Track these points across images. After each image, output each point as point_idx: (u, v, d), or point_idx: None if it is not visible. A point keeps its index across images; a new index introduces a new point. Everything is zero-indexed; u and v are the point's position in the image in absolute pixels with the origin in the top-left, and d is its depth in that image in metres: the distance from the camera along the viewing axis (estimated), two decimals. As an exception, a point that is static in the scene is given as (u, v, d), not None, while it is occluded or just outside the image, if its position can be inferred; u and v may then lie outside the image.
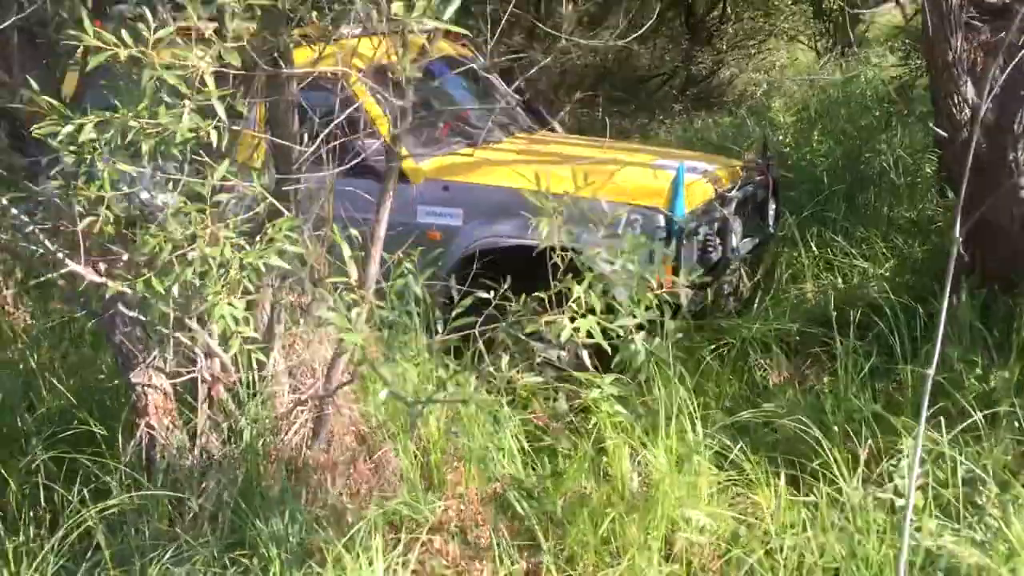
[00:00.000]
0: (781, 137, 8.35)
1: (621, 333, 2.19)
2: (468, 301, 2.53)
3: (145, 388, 2.81)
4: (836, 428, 3.50)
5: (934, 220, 5.59)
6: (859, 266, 5.66)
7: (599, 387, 3.67)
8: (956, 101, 4.34)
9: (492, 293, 2.51)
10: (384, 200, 2.64)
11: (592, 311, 2.16)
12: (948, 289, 2.36)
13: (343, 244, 2.29)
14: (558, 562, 2.98)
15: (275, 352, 2.93)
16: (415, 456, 3.23)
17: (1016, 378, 3.73)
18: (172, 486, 2.80)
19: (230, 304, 2.04)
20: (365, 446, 3.16)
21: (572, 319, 2.15)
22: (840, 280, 5.64)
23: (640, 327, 2.17)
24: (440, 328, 2.47)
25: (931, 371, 2.31)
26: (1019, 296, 4.33)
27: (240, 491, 2.71)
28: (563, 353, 4.17)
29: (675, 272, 4.00)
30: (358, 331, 2.33)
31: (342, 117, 2.57)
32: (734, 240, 4.42)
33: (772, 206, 4.96)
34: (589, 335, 2.29)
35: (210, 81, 1.79)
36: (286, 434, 2.88)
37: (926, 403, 2.23)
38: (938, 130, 4.48)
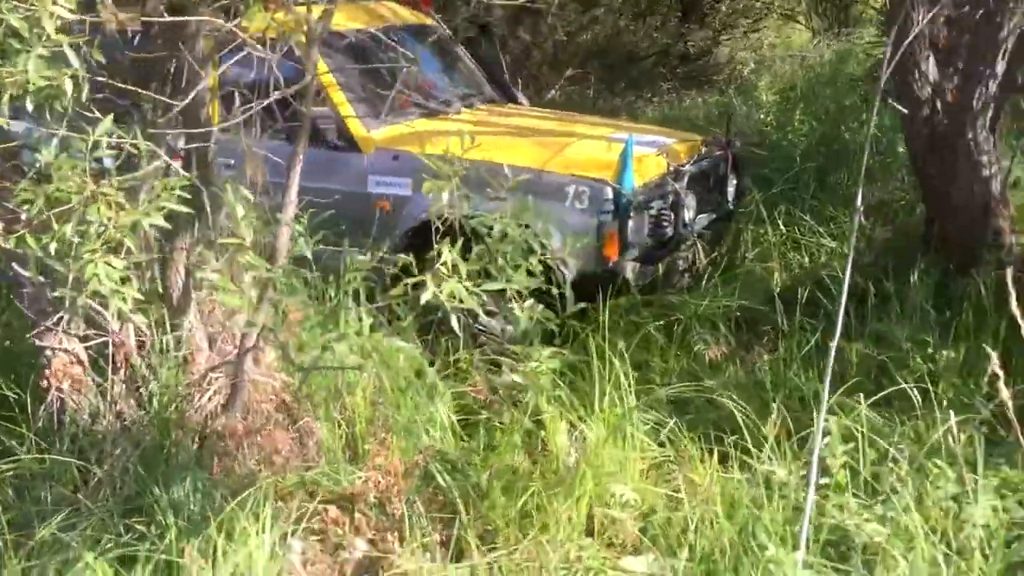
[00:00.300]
0: (763, 116, 8.26)
1: (486, 299, 2.13)
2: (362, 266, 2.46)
3: (55, 351, 2.77)
4: (773, 405, 3.45)
5: (902, 199, 5.51)
6: (826, 245, 5.60)
7: (537, 360, 3.66)
8: (916, 78, 4.26)
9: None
10: (294, 164, 2.58)
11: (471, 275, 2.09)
12: (849, 269, 2.31)
13: (236, 206, 2.23)
14: (479, 535, 2.93)
15: (190, 317, 2.88)
16: (338, 425, 3.19)
17: (962, 358, 3.67)
18: (80, 452, 2.76)
19: (107, 264, 1.99)
20: (287, 415, 3.11)
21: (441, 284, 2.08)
22: (807, 259, 5.58)
23: (521, 294, 2.10)
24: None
25: (834, 344, 2.26)
26: (974, 277, 4.26)
27: (146, 457, 2.67)
28: (508, 326, 4.13)
29: (622, 246, 3.93)
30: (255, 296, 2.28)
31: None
32: (687, 215, 4.35)
33: (733, 182, 4.88)
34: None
35: (48, 26, 1.72)
36: (199, 401, 2.83)
37: (828, 379, 2.18)
38: (899, 107, 4.39)
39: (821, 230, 5.72)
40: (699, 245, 4.57)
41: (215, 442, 2.71)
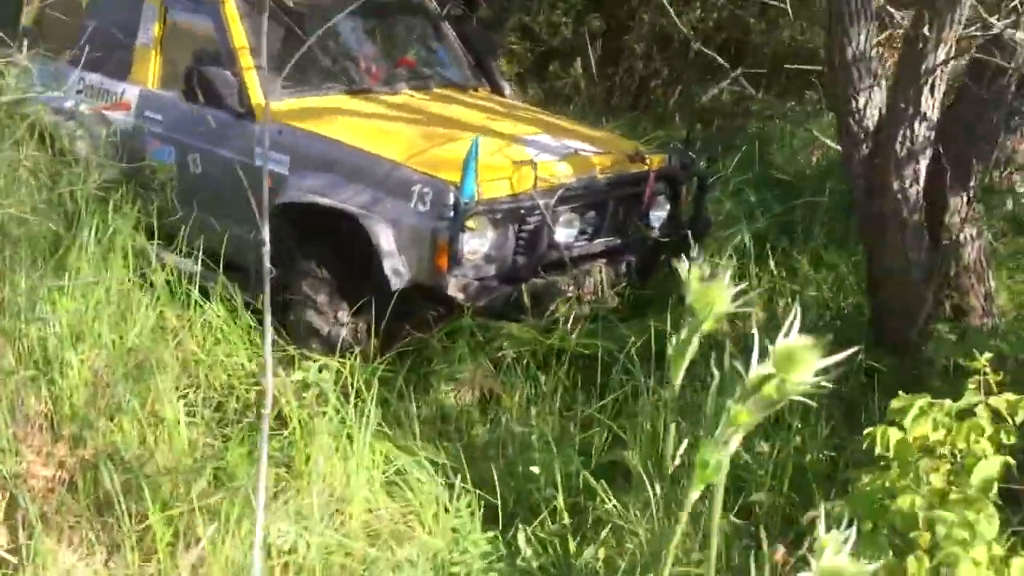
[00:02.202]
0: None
1: None
2: None
3: None
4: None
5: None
6: (816, 296, 4.83)
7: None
8: (855, 108, 3.49)
9: None
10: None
11: None
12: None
13: None
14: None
15: None
16: (44, 404, 3.03)
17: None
18: None
19: None
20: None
21: None
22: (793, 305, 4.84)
23: None
24: None
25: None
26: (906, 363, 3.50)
27: None
28: (335, 327, 3.81)
29: (450, 257, 3.49)
30: None
31: None
32: (563, 235, 3.83)
33: (665, 207, 4.25)
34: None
35: None
36: None
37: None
38: (832, 144, 3.65)
39: (818, 277, 4.96)
40: (602, 272, 4.01)
41: None
